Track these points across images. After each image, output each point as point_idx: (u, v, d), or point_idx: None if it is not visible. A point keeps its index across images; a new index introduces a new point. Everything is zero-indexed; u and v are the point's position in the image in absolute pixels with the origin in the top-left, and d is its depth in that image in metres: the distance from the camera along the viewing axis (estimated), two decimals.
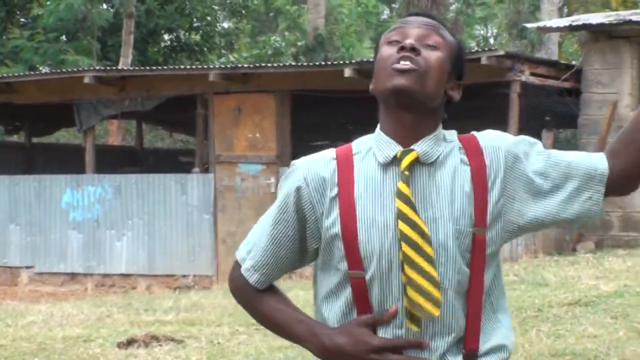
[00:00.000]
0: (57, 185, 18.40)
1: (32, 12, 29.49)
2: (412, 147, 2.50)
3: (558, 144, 21.09)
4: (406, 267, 2.49)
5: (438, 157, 2.50)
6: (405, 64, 2.48)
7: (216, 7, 35.12)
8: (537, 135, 19.41)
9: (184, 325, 10.53)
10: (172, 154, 26.41)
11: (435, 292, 2.48)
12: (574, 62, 17.99)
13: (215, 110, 17.34)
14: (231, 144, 17.14)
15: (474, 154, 2.47)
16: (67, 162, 20.81)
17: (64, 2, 27.18)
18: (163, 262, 17.55)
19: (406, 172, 2.49)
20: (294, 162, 2.69)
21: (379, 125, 2.59)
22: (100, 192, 18.04)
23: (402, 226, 2.47)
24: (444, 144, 2.53)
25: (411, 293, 2.50)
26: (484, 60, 15.65)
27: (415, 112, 2.52)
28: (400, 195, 2.48)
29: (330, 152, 2.64)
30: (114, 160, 21.95)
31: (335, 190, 2.58)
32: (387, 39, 2.58)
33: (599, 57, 16.74)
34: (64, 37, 29.33)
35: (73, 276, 18.09)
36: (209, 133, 17.49)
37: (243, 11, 37.43)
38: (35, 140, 24.07)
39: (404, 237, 2.48)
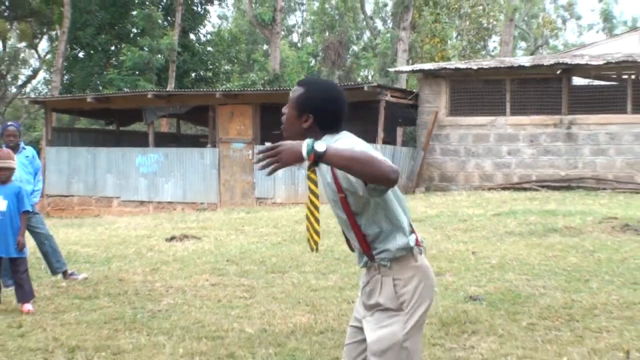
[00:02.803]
0: (134, 153, 18.05)
1: (120, 58, 28.86)
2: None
3: (406, 135, 21.22)
4: (308, 215, 2.49)
5: None
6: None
7: (220, 58, 34.73)
8: (395, 131, 19.58)
9: (201, 229, 10.49)
10: (196, 137, 26.05)
11: (315, 237, 2.49)
12: (414, 90, 18.08)
13: (219, 113, 17.12)
14: (227, 131, 16.94)
15: None
16: (139, 140, 20.42)
17: (137, 52, 26.79)
18: (191, 195, 17.28)
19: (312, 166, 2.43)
20: None
21: None
22: (157, 157, 17.75)
23: (310, 196, 2.46)
24: None
25: (307, 233, 2.53)
26: (365, 88, 15.69)
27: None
28: (308, 177, 2.43)
29: None
30: (164, 140, 21.60)
31: None
32: None
33: (428, 87, 16.83)
34: (137, 72, 28.70)
35: (142, 203, 17.79)
36: (216, 125, 17.28)
37: (235, 60, 37.19)
38: (121, 128, 23.59)
39: (310, 202, 2.47)
